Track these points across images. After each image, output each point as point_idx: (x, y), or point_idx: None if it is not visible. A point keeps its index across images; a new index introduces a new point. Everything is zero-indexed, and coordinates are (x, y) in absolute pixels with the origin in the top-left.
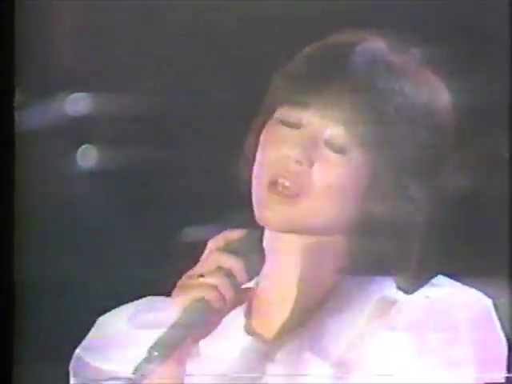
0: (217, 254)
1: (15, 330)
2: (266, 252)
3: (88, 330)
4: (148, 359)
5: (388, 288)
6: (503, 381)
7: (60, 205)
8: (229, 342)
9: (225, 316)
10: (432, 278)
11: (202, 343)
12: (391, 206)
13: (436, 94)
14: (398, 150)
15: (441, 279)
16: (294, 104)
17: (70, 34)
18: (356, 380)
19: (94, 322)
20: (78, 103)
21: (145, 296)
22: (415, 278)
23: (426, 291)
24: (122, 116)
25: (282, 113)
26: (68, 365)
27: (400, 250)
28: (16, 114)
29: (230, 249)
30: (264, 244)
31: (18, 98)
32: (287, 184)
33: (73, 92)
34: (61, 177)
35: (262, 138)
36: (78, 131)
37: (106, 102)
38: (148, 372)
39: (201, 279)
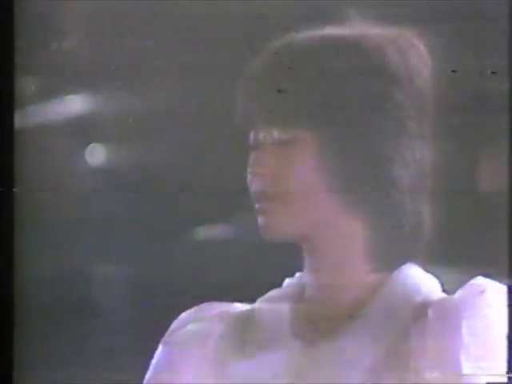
0: None
1: (15, 332)
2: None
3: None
4: None
5: (431, 290)
6: (506, 381)
7: (61, 203)
8: (274, 344)
9: None
10: (470, 279)
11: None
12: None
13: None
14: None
15: (479, 280)
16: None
17: (75, 32)
18: None
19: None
20: (84, 102)
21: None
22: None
23: (461, 292)
24: (129, 115)
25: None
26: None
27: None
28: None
29: None
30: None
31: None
32: (265, 202)
33: (79, 91)
34: (63, 175)
35: None
36: (85, 130)
37: (113, 100)
38: None
39: None
